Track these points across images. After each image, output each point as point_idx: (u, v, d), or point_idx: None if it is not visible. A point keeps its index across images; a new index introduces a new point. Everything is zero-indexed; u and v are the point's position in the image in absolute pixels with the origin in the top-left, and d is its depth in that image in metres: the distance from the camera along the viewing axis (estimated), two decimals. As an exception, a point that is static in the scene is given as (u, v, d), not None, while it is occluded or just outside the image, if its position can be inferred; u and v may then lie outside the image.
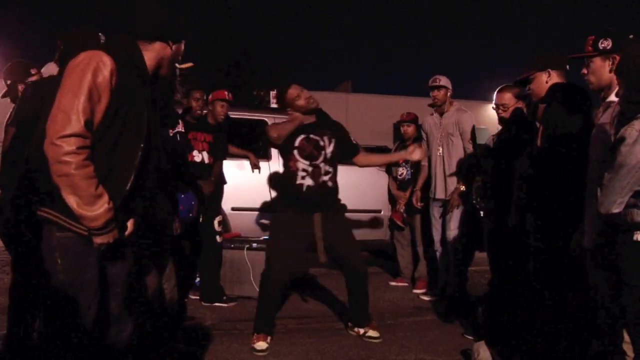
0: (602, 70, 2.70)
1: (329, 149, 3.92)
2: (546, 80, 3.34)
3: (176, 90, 3.69)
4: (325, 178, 3.89)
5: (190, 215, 3.59)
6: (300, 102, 3.91)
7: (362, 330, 3.99)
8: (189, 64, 3.29)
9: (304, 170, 3.86)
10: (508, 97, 3.90)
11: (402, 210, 5.60)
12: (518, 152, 3.75)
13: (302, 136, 3.90)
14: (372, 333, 3.95)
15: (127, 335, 2.23)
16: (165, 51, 2.19)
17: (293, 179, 3.88)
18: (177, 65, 3.11)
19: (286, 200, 3.98)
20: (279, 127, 3.98)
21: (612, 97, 2.63)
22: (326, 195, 3.90)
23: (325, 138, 3.94)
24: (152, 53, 2.16)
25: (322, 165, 3.88)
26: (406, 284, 5.72)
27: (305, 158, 3.87)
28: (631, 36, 2.69)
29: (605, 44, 2.67)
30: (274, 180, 5.57)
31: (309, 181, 3.86)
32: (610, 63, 2.66)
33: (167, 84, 3.08)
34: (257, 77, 17.99)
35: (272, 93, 8.08)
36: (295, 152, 3.88)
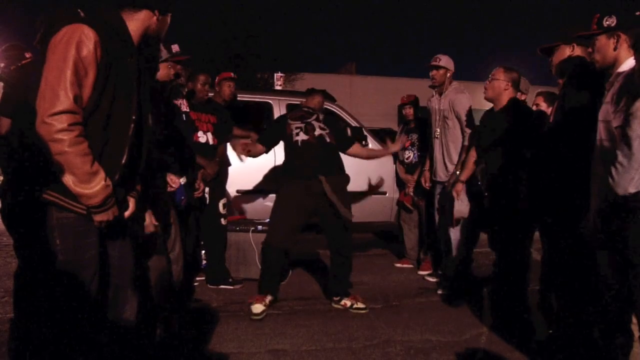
0: (607, 48, 2.64)
1: (321, 118, 4.26)
2: (569, 54, 3.30)
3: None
4: (320, 132, 4.17)
5: (182, 204, 3.58)
6: None
7: (349, 303, 4.21)
8: (186, 57, 3.35)
9: (297, 127, 4.18)
10: None
11: (411, 193, 5.58)
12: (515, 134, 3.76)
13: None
14: (359, 304, 4.19)
15: (129, 316, 2.23)
16: (151, 20, 2.14)
17: (289, 140, 4.19)
18: (173, 53, 3.12)
19: (288, 168, 4.23)
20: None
21: (619, 70, 2.57)
22: (325, 151, 4.15)
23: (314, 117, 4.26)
24: (137, 22, 2.12)
25: (314, 122, 4.19)
26: (411, 266, 5.74)
27: (297, 119, 4.22)
28: (638, 13, 2.64)
29: (610, 21, 2.62)
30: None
31: (302, 136, 4.15)
32: (615, 41, 2.61)
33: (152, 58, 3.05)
34: (261, 60, 17.86)
35: (276, 75, 8.07)
36: (288, 119, 4.26)
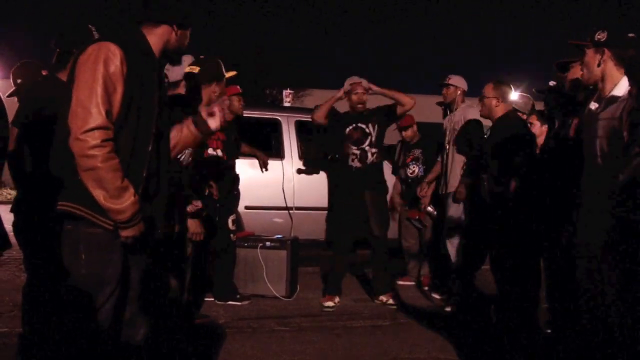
0: (592, 62, 2.63)
1: (374, 134, 4.74)
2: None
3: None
4: (372, 158, 4.74)
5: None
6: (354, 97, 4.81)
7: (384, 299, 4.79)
8: (233, 72, 3.35)
9: (353, 154, 4.71)
10: None
11: (429, 209, 5.40)
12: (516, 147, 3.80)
13: (351, 126, 4.76)
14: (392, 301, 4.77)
15: (140, 338, 2.23)
16: (170, 36, 2.16)
17: (344, 162, 4.76)
18: (224, 73, 3.18)
19: (336, 180, 4.98)
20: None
21: (616, 92, 2.55)
22: (372, 174, 4.73)
23: (370, 125, 4.75)
24: (156, 37, 2.14)
25: (367, 148, 4.71)
26: (413, 283, 5.63)
27: (353, 144, 4.73)
28: (630, 35, 2.63)
29: (601, 36, 2.60)
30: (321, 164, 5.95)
31: (357, 163, 4.71)
32: (600, 57, 2.60)
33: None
34: (268, 76, 17.97)
35: (285, 92, 8.08)
36: (346, 139, 4.75)
